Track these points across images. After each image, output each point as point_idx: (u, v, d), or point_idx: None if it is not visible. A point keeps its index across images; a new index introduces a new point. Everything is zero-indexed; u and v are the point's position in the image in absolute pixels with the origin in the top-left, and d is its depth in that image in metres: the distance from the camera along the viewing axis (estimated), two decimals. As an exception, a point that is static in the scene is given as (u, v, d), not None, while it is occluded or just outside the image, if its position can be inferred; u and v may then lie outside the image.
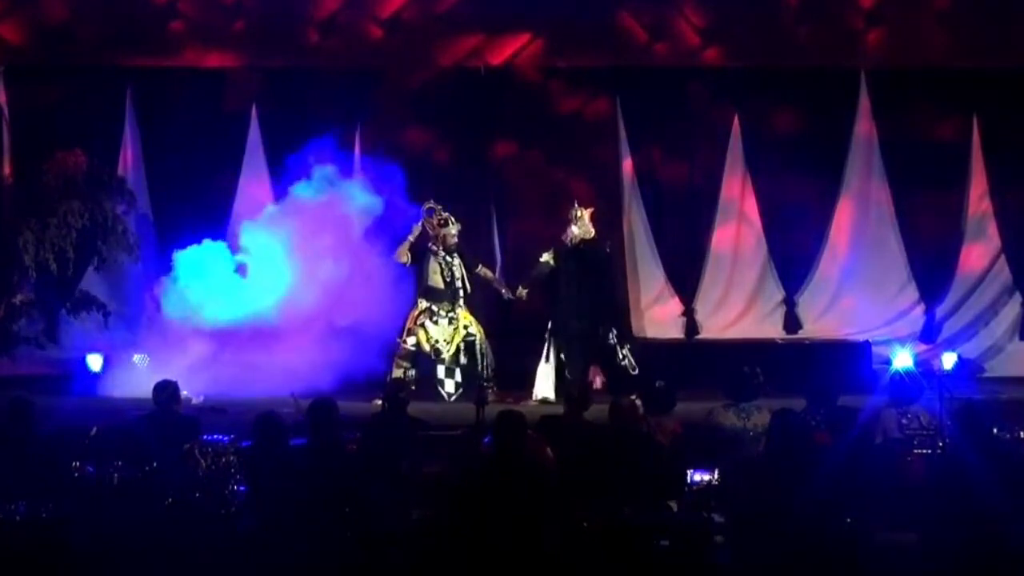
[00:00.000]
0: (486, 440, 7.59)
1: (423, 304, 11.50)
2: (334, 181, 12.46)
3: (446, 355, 11.44)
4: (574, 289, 11.51)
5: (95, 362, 12.00)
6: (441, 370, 11.48)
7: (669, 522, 7.13)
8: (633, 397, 8.90)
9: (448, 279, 11.49)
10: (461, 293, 11.51)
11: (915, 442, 8.14)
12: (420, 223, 11.70)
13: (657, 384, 8.73)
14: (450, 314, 11.47)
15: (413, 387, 11.19)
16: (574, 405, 8.74)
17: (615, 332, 11.45)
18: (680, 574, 6.81)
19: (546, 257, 11.63)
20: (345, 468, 7.46)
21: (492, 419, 7.39)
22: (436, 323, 11.45)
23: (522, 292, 11.62)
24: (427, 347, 11.43)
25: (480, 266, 11.69)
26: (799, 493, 6.92)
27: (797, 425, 7.72)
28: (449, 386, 11.45)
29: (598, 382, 11.69)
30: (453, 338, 11.46)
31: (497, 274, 12.67)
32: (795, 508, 6.86)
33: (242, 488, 7.62)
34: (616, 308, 11.60)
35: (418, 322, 11.47)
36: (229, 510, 7.44)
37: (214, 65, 14.02)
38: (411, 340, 11.47)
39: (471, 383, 11.29)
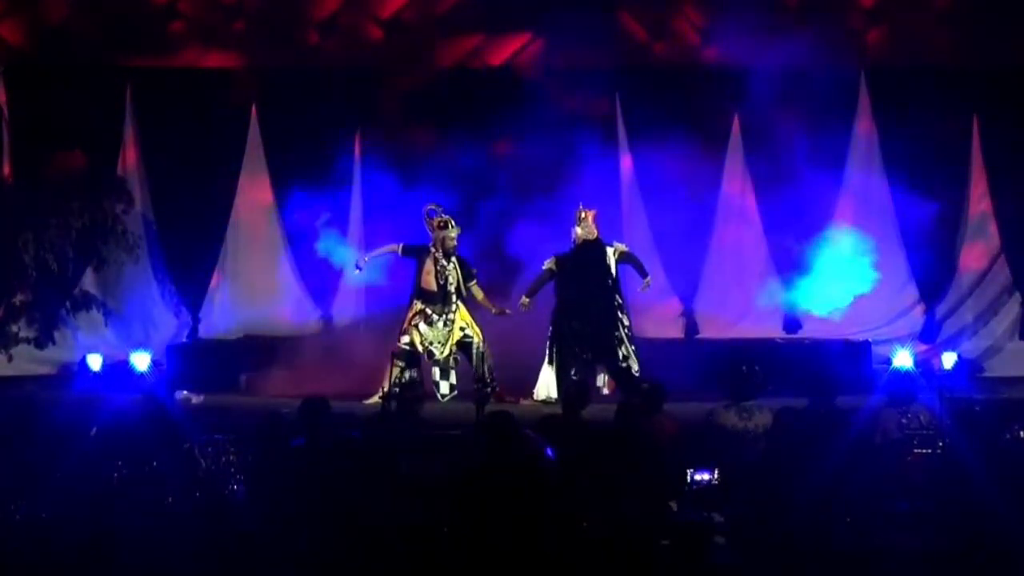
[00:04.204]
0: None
1: (418, 305, 11.47)
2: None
3: (439, 357, 11.42)
4: (575, 290, 11.51)
5: (95, 362, 12.00)
6: (436, 372, 11.47)
7: (669, 522, 7.13)
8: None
9: (442, 282, 11.44)
10: (454, 297, 11.47)
11: (915, 442, 8.14)
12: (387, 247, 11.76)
13: (644, 384, 8.73)
14: (445, 316, 11.44)
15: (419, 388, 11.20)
16: (570, 404, 8.73)
17: (619, 331, 11.43)
18: (680, 574, 6.81)
19: (548, 264, 11.62)
20: (344, 467, 7.46)
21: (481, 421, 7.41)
22: (430, 325, 11.42)
23: (525, 301, 11.60)
24: (420, 348, 11.42)
25: (475, 282, 11.62)
26: (799, 493, 6.93)
27: (800, 425, 7.74)
28: (443, 387, 11.43)
29: (608, 385, 11.68)
30: (448, 340, 11.43)
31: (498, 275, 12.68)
32: (795, 508, 6.86)
33: (242, 488, 7.63)
34: (621, 308, 11.57)
35: (412, 323, 11.45)
36: (229, 510, 7.44)
37: (214, 65, 14.04)
38: (405, 339, 11.45)
39: (468, 384, 11.28)
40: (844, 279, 13.83)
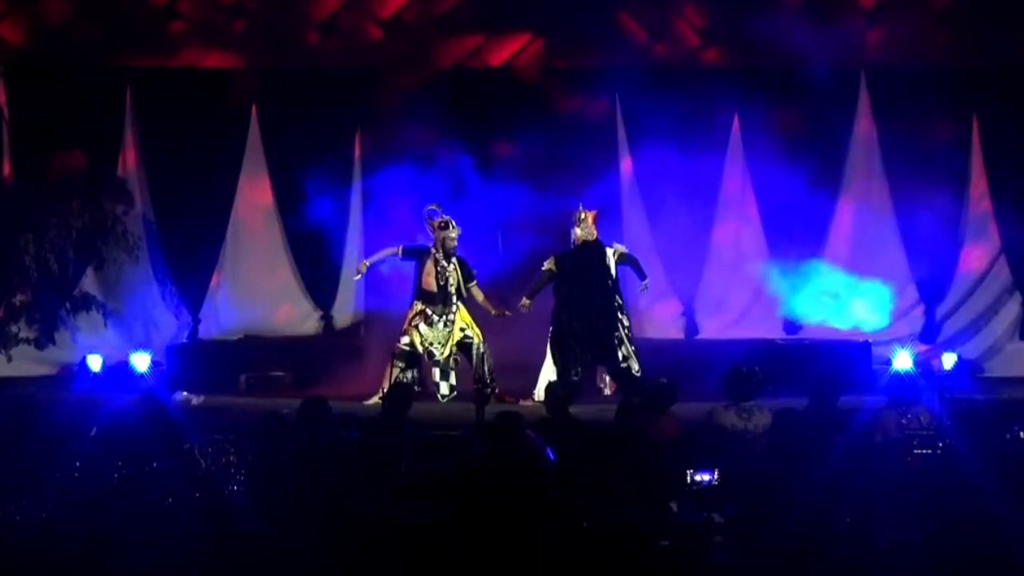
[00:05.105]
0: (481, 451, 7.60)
1: (418, 306, 11.48)
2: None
3: (440, 357, 11.42)
4: (576, 290, 11.51)
5: (95, 362, 12.01)
6: (436, 372, 11.48)
7: (669, 522, 7.13)
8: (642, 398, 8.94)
9: (442, 283, 11.45)
10: (454, 298, 11.48)
11: (915, 442, 8.13)
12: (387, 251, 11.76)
13: (662, 380, 8.74)
14: (445, 317, 11.44)
15: (417, 388, 11.20)
16: (557, 405, 8.72)
17: (619, 332, 11.42)
18: (680, 574, 6.81)
19: (548, 265, 11.61)
20: (344, 467, 7.47)
21: (490, 421, 7.40)
22: (430, 325, 11.42)
23: (526, 302, 11.60)
24: (420, 348, 11.43)
25: (475, 283, 11.62)
26: (799, 493, 6.93)
27: (800, 425, 7.74)
28: (444, 388, 11.43)
29: (609, 386, 11.69)
30: (448, 340, 11.43)
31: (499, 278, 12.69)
32: (795, 508, 6.86)
33: (242, 488, 7.63)
34: (620, 309, 11.57)
35: (413, 323, 11.45)
36: (229, 510, 7.44)
37: (214, 65, 14.03)
38: (405, 340, 11.46)
39: (468, 385, 11.27)
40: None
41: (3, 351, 13.01)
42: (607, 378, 11.72)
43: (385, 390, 10.44)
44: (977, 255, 14.09)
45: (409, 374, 11.42)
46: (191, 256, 14.03)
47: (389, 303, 12.69)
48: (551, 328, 11.52)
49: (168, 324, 14.08)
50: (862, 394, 9.76)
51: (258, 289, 14.29)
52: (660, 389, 8.61)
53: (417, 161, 13.19)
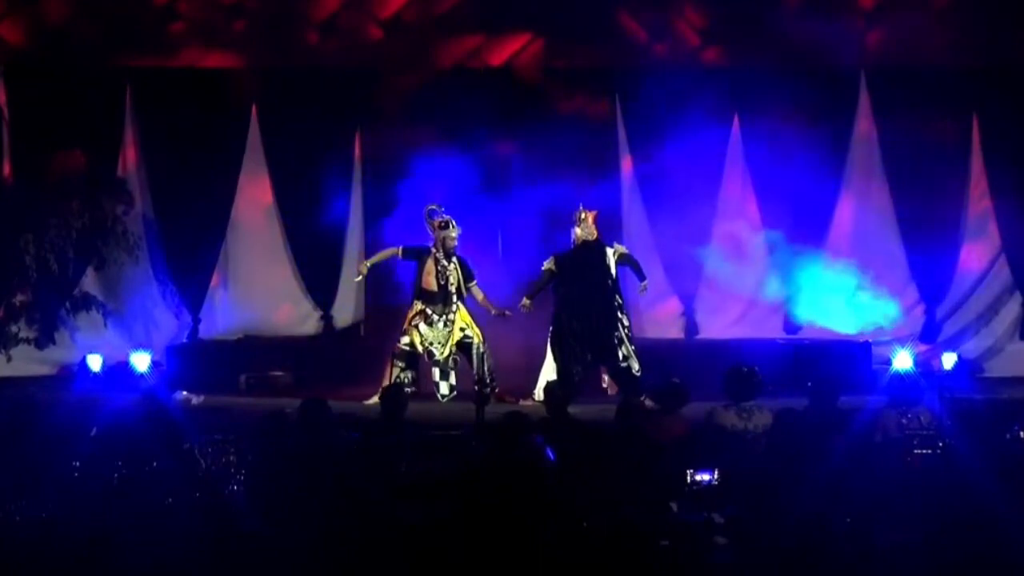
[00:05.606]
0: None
1: (418, 306, 11.49)
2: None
3: (440, 357, 11.43)
4: (576, 290, 11.51)
5: (95, 362, 12.01)
6: (436, 372, 11.48)
7: (669, 522, 7.13)
8: (643, 398, 8.95)
9: (442, 283, 11.46)
10: (455, 298, 11.49)
11: (915, 442, 8.14)
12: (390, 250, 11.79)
13: (674, 380, 8.76)
14: (445, 316, 11.45)
15: (413, 388, 11.19)
16: (557, 405, 8.72)
17: (619, 332, 11.42)
18: (680, 574, 6.81)
19: (548, 265, 11.62)
20: (344, 468, 7.47)
21: (493, 420, 7.40)
22: (430, 325, 11.43)
23: (526, 302, 11.60)
24: (420, 348, 11.43)
25: (475, 283, 11.64)
26: (799, 493, 6.93)
27: (800, 425, 7.75)
28: (444, 388, 11.45)
29: (612, 386, 11.69)
30: (448, 340, 11.44)
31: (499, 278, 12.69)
32: (795, 508, 6.86)
33: (242, 488, 7.63)
34: (620, 308, 11.57)
35: (412, 323, 11.46)
36: (229, 510, 7.44)
37: (214, 65, 14.02)
38: (405, 340, 11.47)
39: (468, 385, 11.28)
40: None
41: (3, 351, 13.01)
42: (606, 377, 11.72)
43: (384, 390, 10.45)
44: (977, 255, 14.09)
45: (409, 374, 11.42)
46: (191, 256, 14.02)
47: (389, 303, 12.70)
48: (551, 328, 11.52)
49: (168, 324, 14.07)
50: (862, 394, 9.75)
51: (258, 289, 14.28)
52: (674, 390, 8.62)
53: (417, 161, 13.19)
